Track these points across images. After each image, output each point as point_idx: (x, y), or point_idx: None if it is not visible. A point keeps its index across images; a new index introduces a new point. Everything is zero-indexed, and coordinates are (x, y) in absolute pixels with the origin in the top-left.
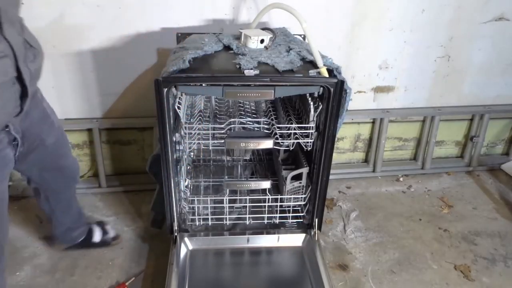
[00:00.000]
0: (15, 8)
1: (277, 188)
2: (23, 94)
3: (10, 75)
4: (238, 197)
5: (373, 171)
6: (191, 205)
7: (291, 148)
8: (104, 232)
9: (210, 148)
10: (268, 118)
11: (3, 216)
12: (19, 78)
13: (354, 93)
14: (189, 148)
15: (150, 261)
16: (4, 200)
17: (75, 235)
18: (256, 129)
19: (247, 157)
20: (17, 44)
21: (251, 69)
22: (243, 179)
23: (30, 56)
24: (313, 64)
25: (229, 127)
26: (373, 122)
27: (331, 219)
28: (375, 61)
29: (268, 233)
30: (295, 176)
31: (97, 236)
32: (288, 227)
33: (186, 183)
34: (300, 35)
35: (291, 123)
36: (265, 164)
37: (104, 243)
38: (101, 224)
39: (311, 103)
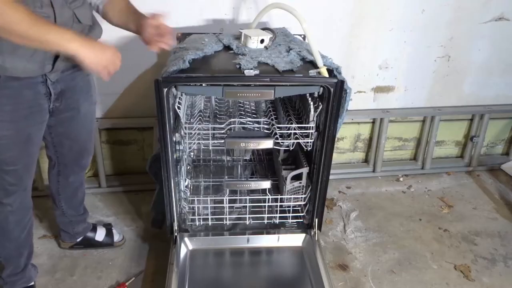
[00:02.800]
0: None
1: (277, 188)
2: (56, 55)
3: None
4: (238, 197)
5: (373, 171)
6: (191, 205)
7: (291, 148)
8: (108, 232)
9: (210, 148)
10: (268, 118)
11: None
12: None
13: (354, 93)
14: (189, 148)
15: (150, 261)
16: (37, 145)
17: (77, 230)
18: (256, 129)
19: (247, 157)
20: (61, 13)
21: (251, 69)
22: (243, 179)
23: (77, 29)
24: (313, 64)
25: (229, 127)
26: (373, 122)
27: (331, 219)
28: (375, 61)
29: (268, 233)
30: (295, 176)
31: (100, 235)
32: (288, 227)
33: (186, 183)
34: (300, 35)
35: (291, 123)
36: (265, 164)
37: (107, 244)
38: (107, 225)
39: (311, 103)
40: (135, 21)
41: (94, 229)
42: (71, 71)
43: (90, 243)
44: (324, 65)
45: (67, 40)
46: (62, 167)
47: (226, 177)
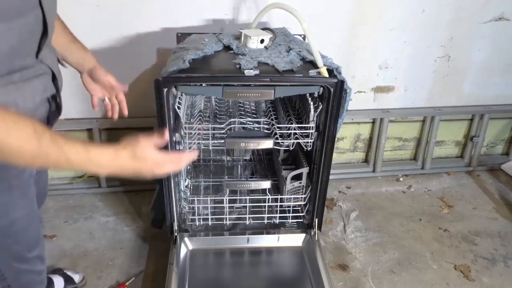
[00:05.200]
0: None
1: (277, 188)
2: (55, 114)
3: (49, 92)
4: (238, 197)
5: (373, 171)
6: (191, 205)
7: (291, 148)
8: (66, 277)
9: (210, 148)
10: (268, 118)
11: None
12: (54, 97)
13: (354, 93)
14: (189, 148)
15: (150, 261)
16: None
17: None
18: (256, 129)
19: (247, 157)
20: (53, 63)
21: (251, 69)
22: (243, 179)
23: (58, 72)
24: (313, 64)
25: (229, 127)
26: (373, 122)
27: (331, 219)
28: (375, 61)
29: (268, 233)
30: (295, 176)
31: (58, 285)
32: (288, 227)
33: (186, 183)
34: (300, 35)
35: (291, 123)
36: (265, 164)
37: None
38: (58, 271)
39: (311, 103)
40: (77, 57)
41: (49, 280)
42: None
43: None
44: (324, 65)
45: (93, 165)
46: None
47: (226, 177)
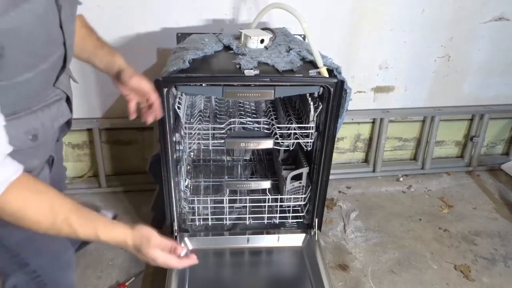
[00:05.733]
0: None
1: (277, 188)
2: (63, 130)
3: (66, 117)
4: (238, 197)
5: (373, 171)
6: (191, 205)
7: (291, 148)
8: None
9: (210, 148)
10: (268, 118)
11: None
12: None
13: (354, 93)
14: (189, 148)
15: None
16: None
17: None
18: (256, 129)
19: (247, 157)
20: (66, 86)
21: (251, 69)
22: (243, 179)
23: (71, 91)
24: (313, 64)
25: (229, 127)
26: (373, 122)
27: (331, 219)
28: (375, 61)
29: (268, 233)
30: (295, 176)
31: None
32: (288, 227)
33: (186, 183)
34: (300, 35)
35: (291, 123)
36: (265, 164)
37: None
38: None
39: (311, 103)
40: (105, 62)
41: None
42: None
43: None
44: (324, 65)
45: (121, 243)
46: None
47: (226, 177)
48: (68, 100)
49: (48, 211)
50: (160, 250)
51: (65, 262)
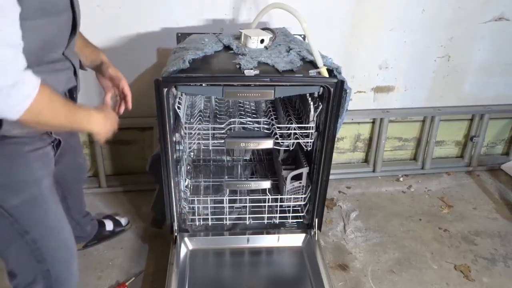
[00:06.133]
0: None
1: (277, 188)
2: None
3: (71, 84)
4: (238, 197)
5: (373, 171)
6: (191, 205)
7: (291, 148)
8: (114, 220)
9: (210, 148)
10: (268, 118)
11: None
12: (70, 92)
13: (354, 93)
14: (189, 148)
15: (150, 261)
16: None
17: (88, 230)
18: (256, 129)
19: (247, 157)
20: (75, 60)
21: (251, 69)
22: (243, 179)
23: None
24: (313, 64)
25: (229, 127)
26: (373, 122)
27: (331, 219)
28: (375, 61)
29: (268, 233)
30: (295, 176)
31: (109, 226)
32: (288, 227)
33: (186, 183)
34: (300, 35)
35: (291, 123)
36: (265, 164)
37: (119, 231)
38: (110, 216)
39: (311, 103)
40: (90, 58)
41: (100, 223)
42: None
43: (102, 236)
44: (324, 65)
45: (91, 124)
46: (68, 193)
47: (226, 177)
48: (75, 74)
49: (64, 99)
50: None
51: (64, 241)
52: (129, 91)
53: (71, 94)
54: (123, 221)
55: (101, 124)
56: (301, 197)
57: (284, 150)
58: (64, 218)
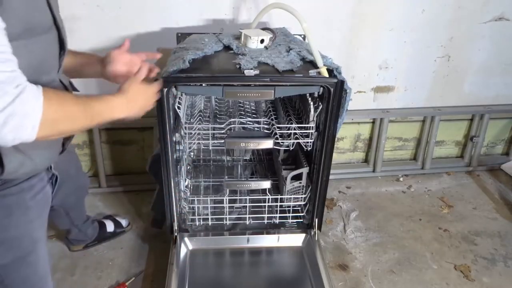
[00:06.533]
0: None
1: (277, 188)
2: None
3: None
4: (238, 197)
5: (373, 171)
6: (191, 205)
7: (291, 148)
8: (115, 221)
9: (210, 148)
10: (268, 118)
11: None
12: None
13: (354, 93)
14: (189, 148)
15: (150, 261)
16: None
17: (89, 233)
18: (256, 129)
19: (247, 157)
20: (67, 82)
21: (251, 69)
22: (243, 179)
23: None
24: (313, 64)
25: (229, 127)
26: (373, 122)
27: (331, 219)
28: (375, 61)
29: (268, 233)
30: (295, 176)
31: (110, 227)
32: (288, 227)
33: (186, 183)
34: (300, 35)
35: (291, 123)
36: (265, 164)
37: (120, 232)
38: (111, 217)
39: (311, 103)
40: (92, 65)
41: (101, 223)
42: None
43: (103, 237)
44: (324, 65)
45: (114, 113)
46: (70, 209)
47: (226, 177)
48: None
49: (75, 98)
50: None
51: None
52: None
53: None
54: (124, 222)
55: (125, 109)
56: (301, 197)
57: (284, 150)
58: (48, 271)
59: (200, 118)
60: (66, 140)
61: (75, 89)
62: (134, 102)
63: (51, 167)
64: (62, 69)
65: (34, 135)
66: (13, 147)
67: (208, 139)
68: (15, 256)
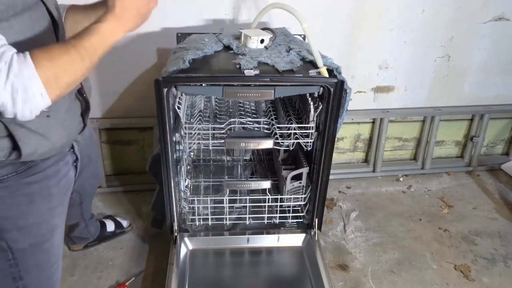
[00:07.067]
0: None
1: (277, 188)
2: (86, 108)
3: (76, 87)
4: (238, 197)
5: (373, 171)
6: (191, 205)
7: (291, 148)
8: (116, 221)
9: (210, 148)
10: (268, 118)
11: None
12: (80, 92)
13: (354, 93)
14: (189, 148)
15: (150, 261)
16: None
17: (91, 231)
18: (256, 129)
19: (247, 157)
20: None
21: (251, 69)
22: (243, 179)
23: None
24: (313, 64)
25: (229, 127)
26: (373, 122)
27: (331, 219)
28: (375, 61)
29: (268, 233)
30: (295, 176)
31: (110, 227)
32: (288, 227)
33: (186, 183)
34: (300, 35)
35: (291, 123)
36: (265, 164)
37: (120, 232)
38: (111, 217)
39: (311, 103)
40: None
41: (101, 223)
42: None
43: (103, 237)
44: (324, 65)
45: (115, 35)
46: (84, 199)
47: (226, 177)
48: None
49: (64, 46)
50: None
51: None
52: None
53: (82, 96)
54: (125, 223)
55: (119, 28)
56: (301, 197)
57: (284, 150)
58: (61, 259)
59: (200, 118)
60: (85, 113)
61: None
62: (125, 16)
63: (74, 148)
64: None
65: (48, 99)
66: (27, 128)
67: (208, 139)
68: (32, 242)
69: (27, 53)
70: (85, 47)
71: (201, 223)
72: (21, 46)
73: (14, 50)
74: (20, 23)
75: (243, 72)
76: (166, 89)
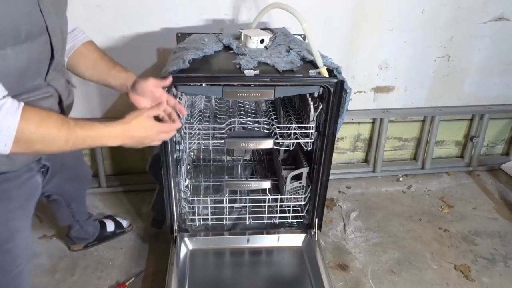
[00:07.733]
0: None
1: (277, 188)
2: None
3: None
4: (238, 197)
5: (373, 171)
6: (191, 205)
7: (291, 148)
8: (115, 221)
9: (210, 148)
10: (268, 118)
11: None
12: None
13: (354, 93)
14: (189, 148)
15: (150, 261)
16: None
17: (89, 231)
18: (256, 129)
19: (247, 157)
20: (60, 86)
21: (251, 69)
22: (243, 179)
23: (67, 94)
24: (313, 64)
25: (229, 127)
26: (373, 122)
27: (331, 219)
28: (375, 61)
29: (268, 233)
30: (295, 176)
31: (110, 227)
32: (288, 227)
33: (186, 183)
34: (300, 35)
35: (291, 123)
36: (265, 164)
37: (120, 232)
38: (111, 217)
39: (311, 103)
40: (119, 78)
41: (101, 223)
42: None
43: (103, 237)
44: (324, 65)
45: (110, 140)
46: (71, 200)
47: (226, 177)
48: (61, 101)
49: (61, 122)
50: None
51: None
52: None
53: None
54: (125, 223)
55: (120, 139)
56: (301, 197)
57: (284, 150)
58: (28, 261)
59: (200, 118)
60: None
61: (72, 85)
62: (132, 135)
63: (40, 158)
64: (57, 73)
65: (7, 150)
66: None
67: (208, 139)
68: None
69: (22, 105)
70: (77, 135)
71: (201, 223)
72: (15, 74)
73: (6, 92)
74: (16, 53)
75: (243, 72)
76: (166, 89)
